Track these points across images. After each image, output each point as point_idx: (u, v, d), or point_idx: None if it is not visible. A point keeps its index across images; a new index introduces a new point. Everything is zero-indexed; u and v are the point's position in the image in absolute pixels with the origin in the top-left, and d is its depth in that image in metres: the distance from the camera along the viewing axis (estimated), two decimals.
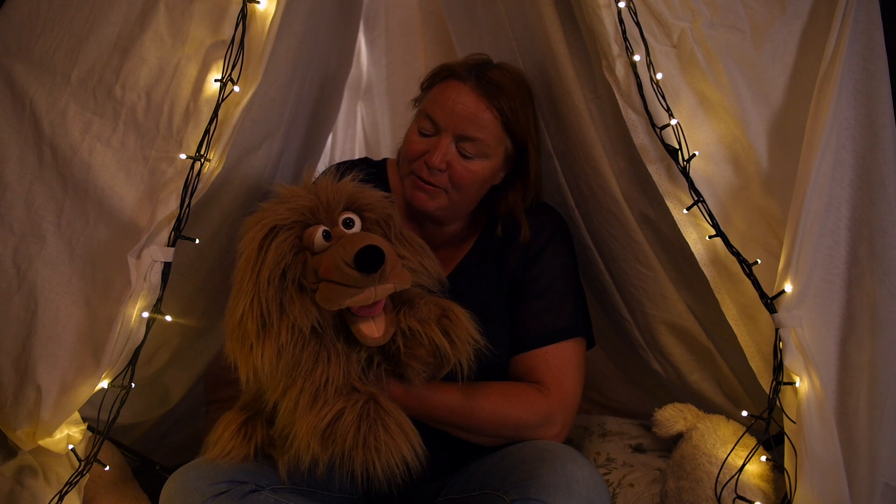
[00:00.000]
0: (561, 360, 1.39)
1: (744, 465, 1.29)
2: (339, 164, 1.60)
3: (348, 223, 1.21)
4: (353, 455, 1.11)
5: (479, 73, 1.39)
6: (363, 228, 1.23)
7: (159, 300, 1.29)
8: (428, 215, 1.45)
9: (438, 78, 1.44)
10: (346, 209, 1.22)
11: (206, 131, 1.31)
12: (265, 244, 1.16)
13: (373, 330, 1.15)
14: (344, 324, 1.18)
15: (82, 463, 1.31)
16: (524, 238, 1.46)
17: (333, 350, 1.16)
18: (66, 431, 1.34)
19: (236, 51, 1.32)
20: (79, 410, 1.33)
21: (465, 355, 1.18)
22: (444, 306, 1.20)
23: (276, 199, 1.22)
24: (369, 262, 1.08)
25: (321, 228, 1.18)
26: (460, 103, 1.36)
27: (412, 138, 1.42)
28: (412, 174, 1.41)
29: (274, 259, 1.15)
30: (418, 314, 1.18)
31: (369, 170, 1.51)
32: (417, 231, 1.49)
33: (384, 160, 1.63)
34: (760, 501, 1.29)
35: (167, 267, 1.29)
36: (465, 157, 1.38)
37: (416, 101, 1.50)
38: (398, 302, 1.21)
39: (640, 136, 1.40)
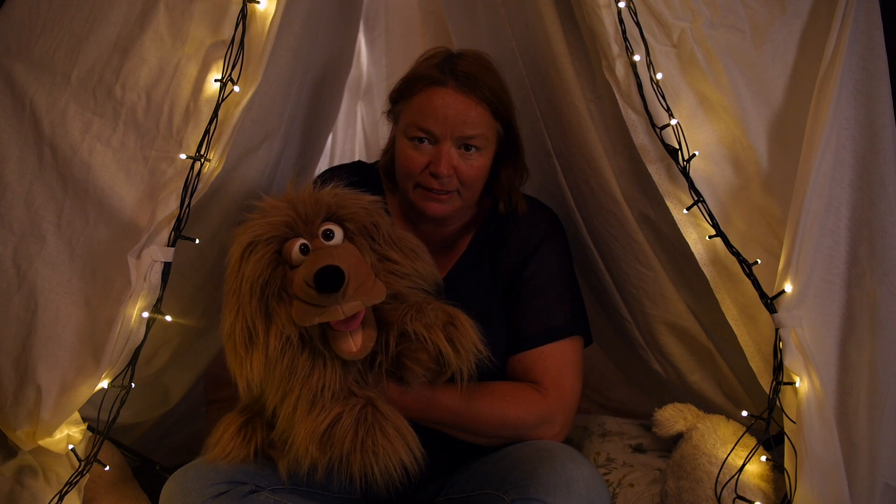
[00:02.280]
0: (558, 360, 1.39)
1: (744, 465, 1.29)
2: (326, 171, 1.59)
3: (328, 234, 1.20)
4: (351, 459, 1.11)
5: (451, 71, 1.37)
6: (346, 238, 1.22)
7: (159, 300, 1.29)
8: (445, 219, 1.45)
9: (414, 89, 1.40)
10: (326, 220, 1.21)
11: (206, 131, 1.31)
12: (244, 258, 1.17)
13: (350, 345, 1.14)
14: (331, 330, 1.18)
15: (82, 463, 1.31)
16: (528, 225, 1.47)
17: (329, 354, 1.16)
18: (66, 431, 1.34)
19: (236, 51, 1.32)
20: (79, 410, 1.33)
21: (466, 364, 1.18)
22: (451, 314, 1.20)
23: (259, 212, 1.22)
24: (327, 282, 1.07)
25: (299, 242, 1.17)
26: (451, 108, 1.35)
27: (408, 154, 1.39)
28: (419, 187, 1.40)
29: (252, 274, 1.16)
30: (425, 319, 1.18)
31: (361, 174, 1.50)
32: (413, 232, 1.49)
33: (377, 162, 1.62)
34: (760, 501, 1.29)
35: (167, 267, 1.29)
36: (468, 155, 1.38)
37: (390, 112, 1.48)
38: (404, 305, 1.21)
39: (640, 136, 1.40)
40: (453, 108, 1.35)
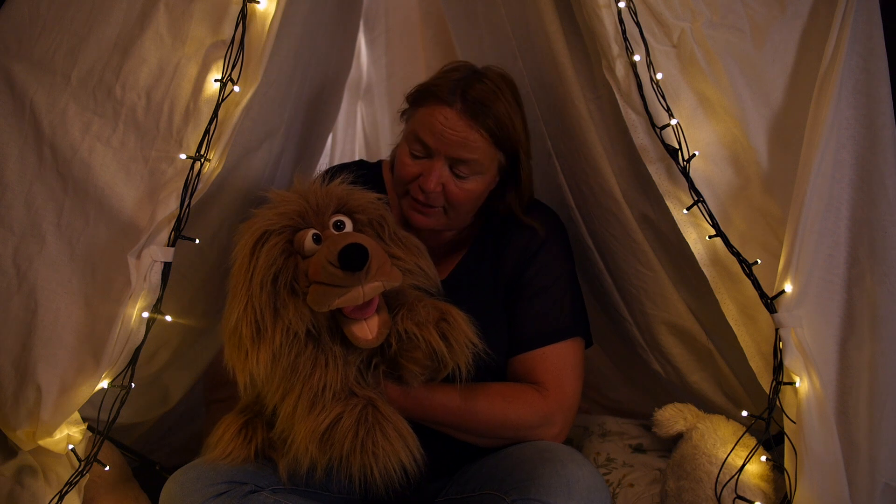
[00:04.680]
0: (559, 361, 1.39)
1: (744, 465, 1.29)
2: (332, 167, 1.60)
3: (339, 226, 1.21)
4: (350, 459, 1.11)
5: (462, 94, 1.35)
6: (355, 230, 1.22)
7: (159, 300, 1.29)
8: (430, 231, 1.45)
9: (424, 100, 1.40)
10: (337, 212, 1.22)
11: (206, 131, 1.31)
12: (256, 249, 1.17)
13: (365, 332, 1.15)
14: (340, 326, 1.18)
15: (82, 463, 1.31)
16: (530, 227, 1.46)
17: (331, 354, 1.16)
18: (66, 431, 1.34)
19: (236, 51, 1.32)
20: (79, 410, 1.33)
21: (462, 359, 1.18)
22: (443, 309, 1.20)
23: (268, 205, 1.23)
24: (353, 259, 1.08)
25: (311, 232, 1.18)
26: (449, 128, 1.34)
27: (405, 160, 1.40)
28: (408, 195, 1.41)
29: (265, 264, 1.15)
30: (416, 317, 1.18)
31: (364, 172, 1.51)
32: (413, 232, 1.49)
33: (379, 162, 1.63)
34: (760, 501, 1.29)
35: (167, 267, 1.29)
36: (459, 177, 1.37)
37: (404, 113, 1.48)
38: (397, 305, 1.21)
39: (640, 136, 1.40)
40: (451, 129, 1.34)
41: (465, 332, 1.18)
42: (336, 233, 1.19)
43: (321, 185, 1.24)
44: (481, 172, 1.39)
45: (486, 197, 1.47)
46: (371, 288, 1.11)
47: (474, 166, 1.37)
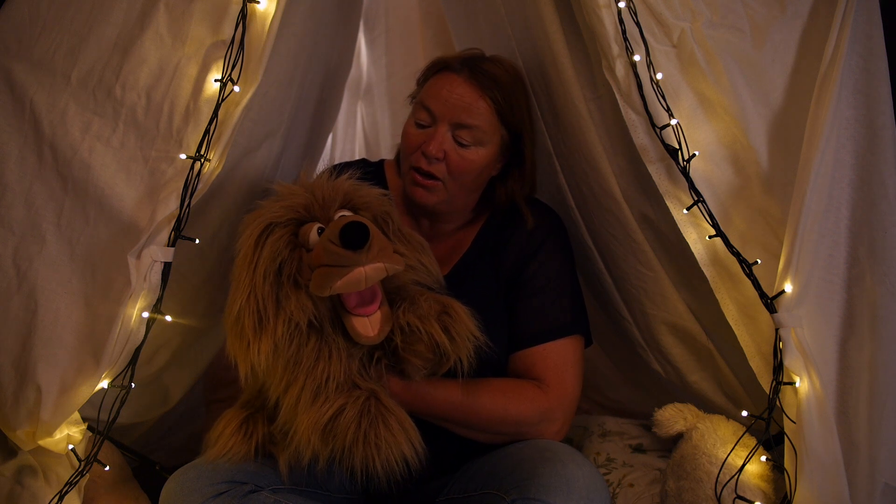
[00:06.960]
0: (560, 357, 1.40)
1: (744, 465, 1.29)
2: (336, 165, 1.61)
3: None
4: (353, 451, 1.11)
5: (472, 65, 1.42)
6: None
7: (159, 300, 1.29)
8: (428, 210, 1.45)
9: (433, 71, 1.47)
10: (342, 206, 1.23)
11: (206, 131, 1.31)
12: (261, 241, 1.17)
13: (367, 328, 1.15)
14: (341, 318, 1.18)
15: (82, 463, 1.31)
16: (530, 225, 1.47)
17: (335, 346, 1.16)
18: (66, 431, 1.34)
19: (236, 51, 1.32)
20: (79, 410, 1.33)
21: (464, 352, 1.18)
22: (445, 303, 1.21)
23: (274, 197, 1.23)
24: (354, 237, 1.08)
25: (316, 226, 1.18)
26: (454, 93, 1.39)
27: (409, 131, 1.44)
28: (411, 169, 1.42)
29: (269, 255, 1.16)
30: (418, 310, 1.19)
31: (367, 170, 1.52)
32: (416, 229, 1.50)
33: (381, 161, 1.64)
34: (760, 501, 1.29)
35: (167, 267, 1.29)
36: (461, 145, 1.40)
37: (413, 96, 1.52)
38: (398, 299, 1.21)
39: (640, 136, 1.40)
40: (457, 93, 1.39)
41: (466, 325, 1.19)
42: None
43: (328, 179, 1.25)
44: (483, 143, 1.41)
45: (488, 180, 1.48)
46: (373, 269, 1.10)
47: (476, 133, 1.39)
